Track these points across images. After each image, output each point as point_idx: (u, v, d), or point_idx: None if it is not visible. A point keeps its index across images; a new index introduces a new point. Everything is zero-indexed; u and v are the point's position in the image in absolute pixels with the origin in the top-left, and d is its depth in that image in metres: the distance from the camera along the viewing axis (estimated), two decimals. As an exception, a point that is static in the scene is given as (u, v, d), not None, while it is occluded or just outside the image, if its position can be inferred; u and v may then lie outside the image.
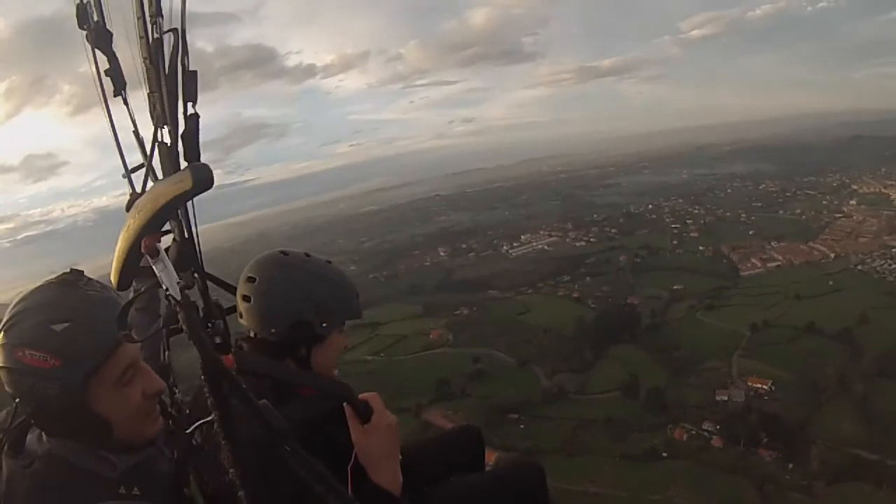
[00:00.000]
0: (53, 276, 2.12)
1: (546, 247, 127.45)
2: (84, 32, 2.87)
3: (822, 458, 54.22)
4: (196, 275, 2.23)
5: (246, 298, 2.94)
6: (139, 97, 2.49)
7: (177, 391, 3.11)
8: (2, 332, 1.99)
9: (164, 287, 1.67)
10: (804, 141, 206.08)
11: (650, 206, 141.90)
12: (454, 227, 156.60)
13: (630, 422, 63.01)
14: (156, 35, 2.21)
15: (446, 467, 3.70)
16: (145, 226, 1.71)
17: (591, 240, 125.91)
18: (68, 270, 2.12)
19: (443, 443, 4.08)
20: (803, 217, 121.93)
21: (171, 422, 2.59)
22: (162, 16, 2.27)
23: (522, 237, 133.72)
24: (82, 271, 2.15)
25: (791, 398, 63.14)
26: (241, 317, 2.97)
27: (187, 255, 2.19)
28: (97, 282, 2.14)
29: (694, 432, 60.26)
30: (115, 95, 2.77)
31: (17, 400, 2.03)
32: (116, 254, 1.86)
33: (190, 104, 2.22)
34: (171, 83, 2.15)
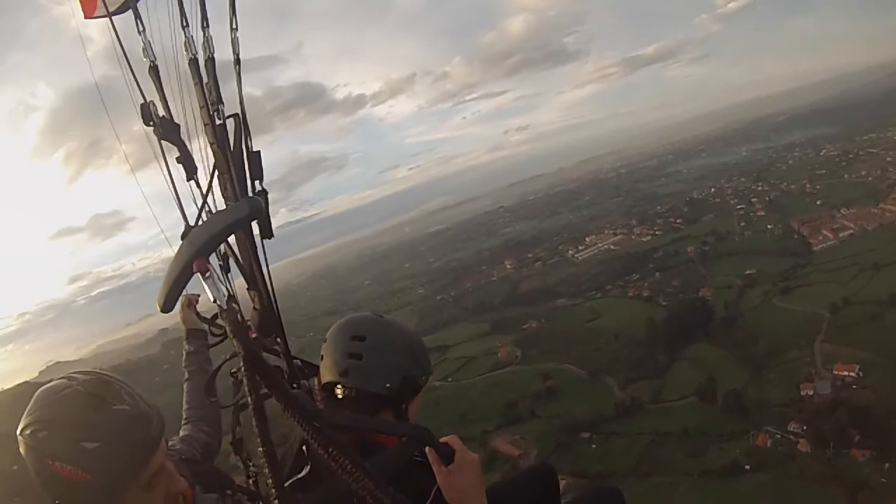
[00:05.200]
0: (82, 376, 2.11)
1: (612, 246, 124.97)
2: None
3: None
4: (278, 339, 2.51)
5: (356, 356, 2.92)
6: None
7: (251, 464, 3.15)
8: (28, 432, 2.02)
9: (213, 298, 1.82)
10: (859, 98, 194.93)
11: (712, 189, 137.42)
12: (519, 237, 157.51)
13: (708, 431, 59.61)
14: (219, 121, 2.50)
15: None
16: (199, 249, 1.84)
17: (657, 233, 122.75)
18: (96, 378, 2.11)
19: (515, 485, 3.94)
20: (869, 178, 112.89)
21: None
22: (223, 103, 2.56)
23: (587, 239, 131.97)
24: (111, 379, 2.14)
25: (881, 384, 57.34)
26: (343, 375, 2.90)
27: (269, 322, 2.50)
28: (126, 390, 2.14)
29: (778, 436, 56.30)
30: (187, 181, 2.76)
31: (57, 502, 2.10)
32: (167, 275, 1.93)
33: (258, 182, 2.59)
34: (238, 164, 2.47)
